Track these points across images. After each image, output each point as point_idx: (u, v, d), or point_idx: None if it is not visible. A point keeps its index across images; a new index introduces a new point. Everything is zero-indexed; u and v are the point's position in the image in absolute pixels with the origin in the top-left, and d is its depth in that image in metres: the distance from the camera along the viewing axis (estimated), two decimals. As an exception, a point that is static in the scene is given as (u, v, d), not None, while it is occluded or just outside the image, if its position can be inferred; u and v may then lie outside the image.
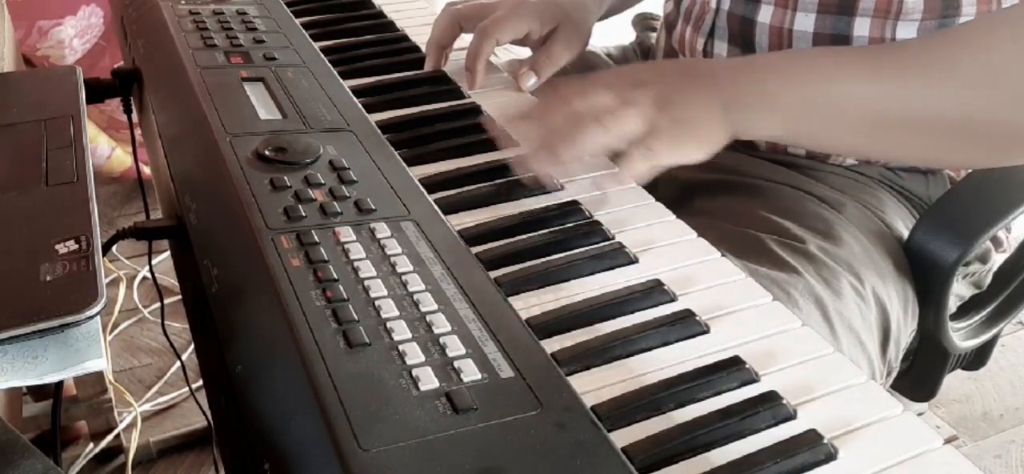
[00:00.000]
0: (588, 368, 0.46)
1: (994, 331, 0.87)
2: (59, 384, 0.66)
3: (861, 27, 0.73)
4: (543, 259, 0.55)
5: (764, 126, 0.64)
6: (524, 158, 0.63)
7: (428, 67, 0.82)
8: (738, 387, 0.45)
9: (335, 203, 0.55)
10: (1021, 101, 0.58)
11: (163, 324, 0.96)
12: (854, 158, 0.78)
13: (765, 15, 0.78)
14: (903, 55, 0.63)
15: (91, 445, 1.37)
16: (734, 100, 0.63)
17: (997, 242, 0.83)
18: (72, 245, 0.49)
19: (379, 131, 0.67)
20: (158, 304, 1.59)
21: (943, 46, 0.61)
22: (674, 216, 0.60)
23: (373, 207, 0.55)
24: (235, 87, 0.71)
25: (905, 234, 0.77)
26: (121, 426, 1.39)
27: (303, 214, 0.53)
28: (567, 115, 0.62)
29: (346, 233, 0.52)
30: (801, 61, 0.66)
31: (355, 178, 0.58)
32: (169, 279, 1.53)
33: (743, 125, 0.63)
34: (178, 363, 1.51)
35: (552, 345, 0.47)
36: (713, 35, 0.82)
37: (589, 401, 0.42)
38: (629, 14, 1.15)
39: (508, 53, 0.89)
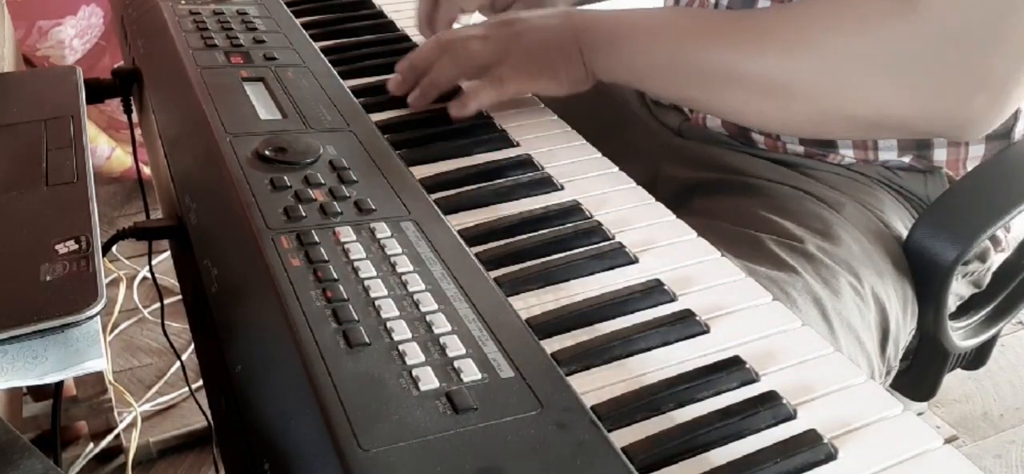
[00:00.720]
0: (588, 368, 0.46)
1: (994, 330, 0.87)
2: (59, 384, 0.66)
3: None
4: (543, 259, 0.55)
5: (611, 73, 0.73)
6: (401, 87, 0.75)
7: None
8: (738, 387, 0.45)
9: (335, 203, 0.55)
10: (840, 79, 0.64)
11: (163, 324, 0.96)
12: (688, 108, 0.85)
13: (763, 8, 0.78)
14: (742, 21, 0.70)
15: (91, 445, 1.37)
16: (587, 44, 0.71)
17: (996, 241, 0.83)
18: (72, 245, 0.49)
19: (379, 131, 0.67)
20: (158, 304, 1.59)
21: (775, 17, 0.68)
22: (674, 216, 0.60)
23: (373, 207, 0.55)
24: (235, 87, 0.71)
25: (904, 233, 0.77)
26: (121, 426, 1.39)
27: (303, 214, 0.53)
28: (431, 53, 0.72)
29: (346, 233, 0.52)
30: (655, 20, 0.73)
31: (355, 178, 0.58)
32: (169, 279, 1.53)
33: (596, 67, 0.72)
34: (178, 363, 1.51)
35: (552, 345, 0.47)
36: None
37: (589, 401, 0.42)
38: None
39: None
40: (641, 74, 0.73)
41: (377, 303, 0.46)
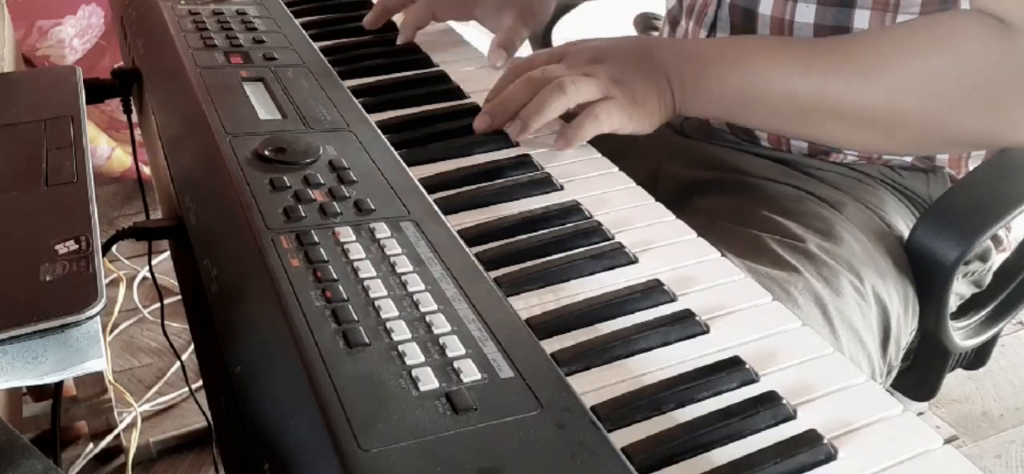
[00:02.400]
0: (588, 368, 0.46)
1: (994, 330, 0.87)
2: (59, 384, 0.66)
3: (861, 19, 0.74)
4: (543, 259, 0.55)
5: (702, 108, 0.73)
6: (497, 125, 0.70)
7: (368, 20, 0.91)
8: (738, 387, 0.45)
9: (335, 203, 0.55)
10: (934, 104, 0.66)
11: (163, 324, 0.96)
12: (782, 136, 0.83)
13: (766, 7, 0.78)
14: (834, 52, 0.69)
15: (91, 445, 1.37)
16: (679, 84, 0.70)
17: (997, 241, 0.83)
18: (72, 245, 0.49)
19: (379, 131, 0.67)
20: (158, 304, 1.59)
21: (871, 46, 0.68)
22: (674, 216, 0.60)
23: (373, 207, 0.55)
24: (235, 87, 0.71)
25: (905, 233, 0.77)
26: (121, 426, 1.39)
27: (303, 214, 0.53)
28: (533, 87, 0.68)
29: (346, 233, 0.52)
30: (741, 51, 0.72)
31: (355, 178, 0.58)
32: (169, 279, 1.53)
33: (684, 106, 0.71)
34: (178, 363, 1.51)
35: (552, 345, 0.47)
36: (715, 28, 0.82)
37: (589, 401, 0.42)
38: (630, 14, 1.15)
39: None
40: (731, 104, 0.71)
41: (377, 303, 0.46)
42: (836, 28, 0.75)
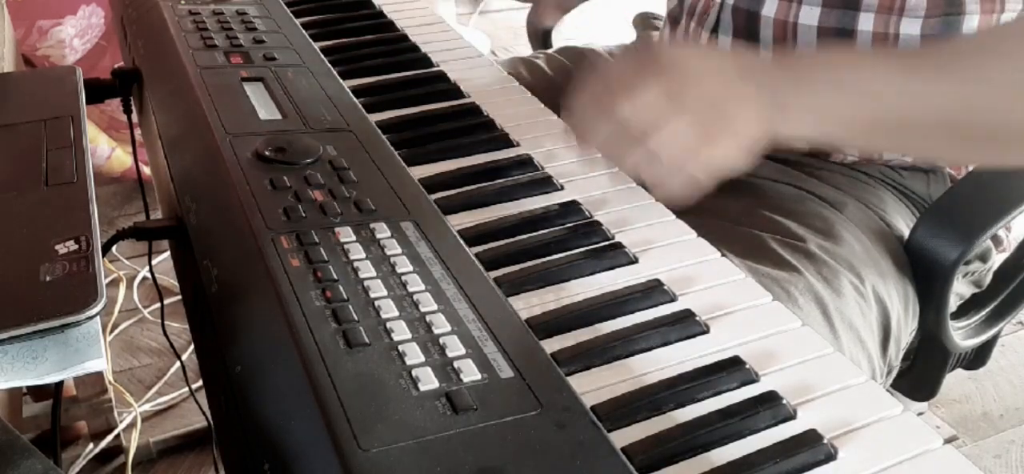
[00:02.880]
0: (588, 368, 0.46)
1: (994, 330, 0.87)
2: (59, 384, 0.66)
3: (865, 22, 0.74)
4: (543, 259, 0.55)
5: (803, 122, 0.61)
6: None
7: None
8: (738, 387, 0.45)
9: (335, 203, 0.55)
10: None
11: (163, 324, 0.96)
12: (875, 153, 0.77)
13: (770, 8, 0.78)
14: (938, 59, 0.62)
15: (91, 445, 1.37)
16: (776, 110, 0.60)
17: (997, 241, 0.82)
18: (72, 245, 0.49)
19: (379, 131, 0.67)
20: (158, 304, 1.59)
21: (976, 54, 0.61)
22: (674, 216, 0.60)
23: (373, 207, 0.55)
24: (235, 87, 0.71)
25: (906, 233, 0.77)
26: (121, 426, 1.39)
27: (303, 214, 0.53)
28: (611, 132, 0.58)
29: (346, 233, 0.52)
30: (845, 69, 0.63)
31: (355, 178, 0.58)
32: (169, 279, 1.53)
33: (783, 132, 0.60)
34: (178, 363, 1.51)
35: (552, 345, 0.47)
36: (717, 30, 0.82)
37: (589, 401, 0.42)
38: (630, 14, 1.15)
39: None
40: (843, 120, 0.61)
41: (377, 303, 0.46)
42: (840, 31, 0.74)
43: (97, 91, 0.80)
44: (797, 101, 0.60)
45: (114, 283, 1.69)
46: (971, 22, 0.72)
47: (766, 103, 0.59)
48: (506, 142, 0.69)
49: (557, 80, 0.97)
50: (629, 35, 1.11)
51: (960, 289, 0.83)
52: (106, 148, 1.85)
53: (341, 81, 0.75)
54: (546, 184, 0.63)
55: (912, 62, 0.62)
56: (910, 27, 0.72)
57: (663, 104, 0.58)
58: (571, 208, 0.60)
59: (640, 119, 0.57)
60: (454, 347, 0.44)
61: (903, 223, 0.78)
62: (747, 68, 0.62)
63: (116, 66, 0.84)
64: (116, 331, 1.63)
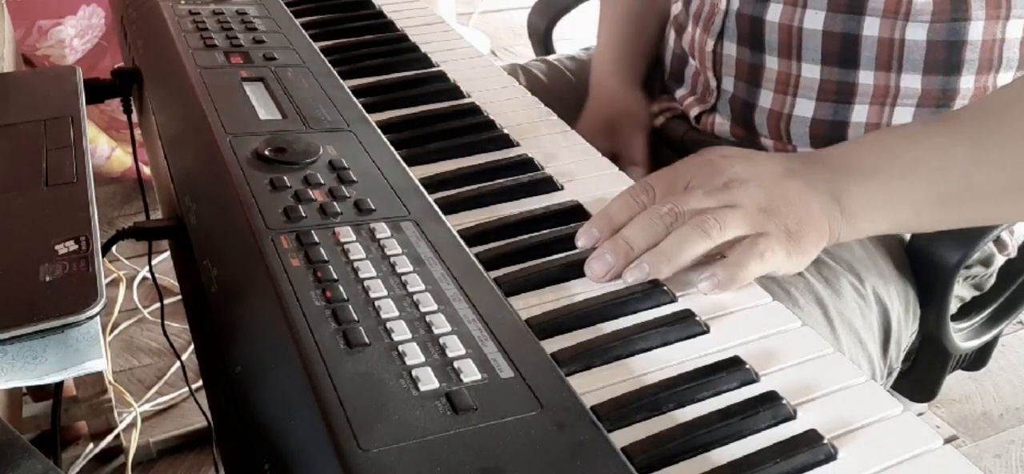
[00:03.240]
0: (588, 368, 0.46)
1: (995, 331, 0.87)
2: (59, 384, 0.66)
3: (870, 26, 0.73)
4: (543, 259, 0.55)
5: (870, 231, 0.61)
6: (618, 269, 0.54)
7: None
8: (738, 387, 0.45)
9: (335, 203, 0.55)
10: None
11: (163, 324, 0.96)
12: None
13: (774, 13, 0.78)
14: (998, 119, 0.61)
15: (91, 445, 1.37)
16: (846, 222, 0.58)
17: (1001, 244, 0.82)
18: (72, 245, 0.49)
19: (379, 131, 0.67)
20: (158, 304, 1.59)
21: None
22: (674, 216, 0.60)
23: (373, 207, 0.55)
24: (235, 87, 0.71)
25: (907, 235, 0.77)
26: (121, 426, 1.39)
27: (303, 214, 0.53)
28: (664, 224, 0.54)
29: (346, 233, 0.52)
30: (904, 151, 0.61)
31: (355, 178, 0.58)
32: (169, 279, 1.53)
33: (852, 232, 0.59)
34: (178, 363, 1.51)
35: (552, 345, 0.47)
36: (723, 36, 0.82)
37: (589, 401, 0.42)
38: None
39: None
40: (913, 204, 0.60)
41: (377, 303, 0.46)
42: (845, 36, 0.74)
43: (97, 91, 0.80)
44: (864, 201, 0.59)
45: (114, 283, 1.69)
46: (976, 27, 0.72)
47: (835, 215, 0.58)
48: (506, 142, 0.69)
49: (553, 89, 0.98)
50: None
51: (961, 292, 0.83)
52: (106, 148, 1.85)
53: (341, 81, 0.75)
54: (546, 184, 0.63)
55: (972, 129, 0.61)
56: (916, 32, 0.72)
57: (719, 189, 0.56)
58: (571, 208, 0.60)
59: (695, 202, 0.55)
60: (454, 347, 0.44)
61: (904, 224, 0.78)
62: (804, 169, 0.59)
63: (116, 66, 0.84)
64: (116, 331, 1.63)
